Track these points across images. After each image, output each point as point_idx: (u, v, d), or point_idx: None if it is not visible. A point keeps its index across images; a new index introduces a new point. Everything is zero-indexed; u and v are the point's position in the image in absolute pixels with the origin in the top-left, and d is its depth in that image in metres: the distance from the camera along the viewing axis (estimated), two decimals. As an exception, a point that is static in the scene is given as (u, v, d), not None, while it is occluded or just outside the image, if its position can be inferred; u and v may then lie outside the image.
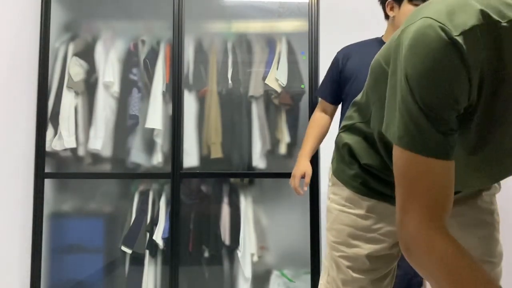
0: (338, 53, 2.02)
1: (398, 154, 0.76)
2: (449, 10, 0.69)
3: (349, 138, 1.07)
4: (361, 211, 1.06)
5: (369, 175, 1.03)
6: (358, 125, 1.05)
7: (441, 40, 0.67)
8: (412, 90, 0.70)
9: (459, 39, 0.66)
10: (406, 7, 1.74)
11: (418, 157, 0.72)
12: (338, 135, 1.13)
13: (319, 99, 2.12)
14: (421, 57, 0.69)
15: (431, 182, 0.73)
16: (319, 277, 2.59)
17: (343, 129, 1.11)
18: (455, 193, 0.85)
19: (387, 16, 1.87)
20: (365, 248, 1.05)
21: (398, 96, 0.73)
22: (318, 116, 2.10)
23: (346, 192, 1.08)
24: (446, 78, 0.68)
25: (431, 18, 0.69)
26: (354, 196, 1.07)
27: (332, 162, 1.16)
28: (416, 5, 1.73)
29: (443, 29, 0.67)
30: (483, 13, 0.68)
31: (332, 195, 1.14)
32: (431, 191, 0.72)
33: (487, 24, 0.68)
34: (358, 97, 1.08)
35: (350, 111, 1.11)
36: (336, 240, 1.09)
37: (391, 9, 1.81)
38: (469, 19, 0.68)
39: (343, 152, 1.08)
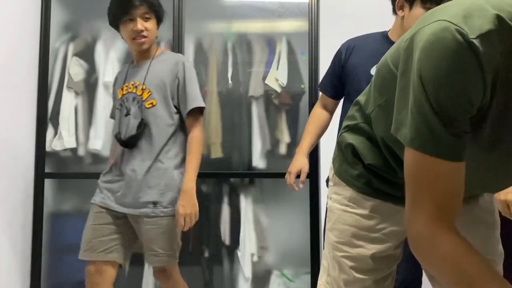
0: (342, 45, 1.96)
1: (409, 155, 0.76)
2: (465, 13, 0.70)
3: (352, 138, 1.06)
4: (364, 211, 1.05)
5: (373, 175, 1.03)
6: (361, 125, 1.05)
7: (458, 43, 0.67)
8: (426, 92, 0.71)
9: (476, 42, 0.67)
10: (418, 10, 1.65)
11: (429, 158, 0.73)
12: (340, 134, 1.12)
13: (320, 93, 2.07)
14: (437, 59, 0.69)
15: (441, 183, 0.74)
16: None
17: (346, 129, 1.10)
18: None
19: (395, 11, 1.78)
20: (369, 248, 1.05)
21: (411, 97, 0.74)
22: (318, 111, 2.05)
23: (349, 192, 1.08)
24: (461, 81, 0.69)
25: (447, 20, 0.69)
26: (358, 196, 1.06)
27: (333, 162, 1.16)
28: (430, 8, 1.64)
29: (460, 32, 0.68)
30: (499, 18, 0.69)
31: (334, 195, 1.14)
32: (440, 192, 0.74)
33: (502, 29, 0.69)
34: (361, 97, 1.07)
35: (352, 111, 1.10)
36: (339, 240, 1.09)
37: (401, 8, 1.72)
38: (485, 23, 0.68)
39: (346, 152, 1.08)
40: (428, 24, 0.72)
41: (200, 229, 2.85)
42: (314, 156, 2.64)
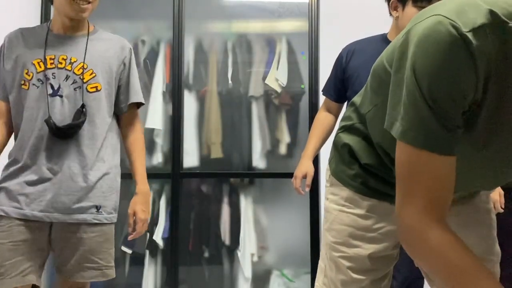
0: (342, 50, 2.00)
1: (401, 149, 0.77)
2: (458, 9, 0.71)
3: (348, 138, 1.07)
4: (361, 211, 1.06)
5: (369, 175, 1.04)
6: (357, 126, 1.05)
7: (451, 36, 0.68)
8: (419, 85, 0.71)
9: (469, 36, 0.68)
10: (410, 9, 1.70)
11: (421, 152, 0.73)
12: (336, 135, 1.13)
13: (324, 97, 2.10)
14: (430, 52, 0.70)
15: (432, 177, 0.74)
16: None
17: (342, 129, 1.11)
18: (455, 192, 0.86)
19: (391, 13, 1.84)
20: (366, 248, 1.05)
21: (404, 92, 0.74)
22: (322, 115, 2.07)
23: (345, 192, 1.08)
24: (455, 73, 0.69)
25: (441, 15, 0.71)
26: (354, 196, 1.07)
27: (330, 163, 1.16)
28: (420, 7, 1.69)
29: (453, 26, 0.69)
30: (492, 13, 0.70)
31: (330, 195, 1.14)
32: (431, 185, 0.74)
33: (495, 23, 0.69)
34: (357, 98, 1.08)
35: (348, 111, 1.11)
36: (336, 241, 1.09)
37: (395, 8, 1.78)
38: (479, 18, 0.69)
39: (342, 152, 1.08)
40: (422, 20, 0.73)
41: (200, 229, 2.85)
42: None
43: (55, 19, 1.66)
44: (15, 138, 1.63)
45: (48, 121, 1.54)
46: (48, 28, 1.65)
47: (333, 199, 1.12)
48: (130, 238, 1.70)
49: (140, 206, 1.66)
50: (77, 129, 1.56)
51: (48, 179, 1.55)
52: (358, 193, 1.06)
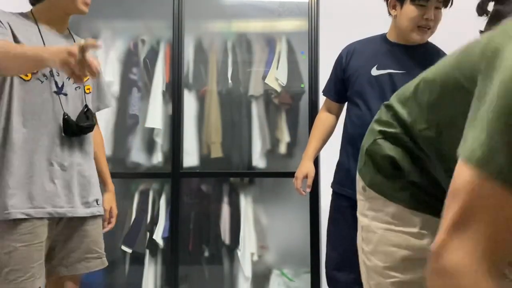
0: (342, 50, 2.00)
1: (468, 178, 0.63)
2: None
3: (391, 150, 0.94)
4: (413, 229, 0.92)
5: (419, 189, 0.93)
6: (401, 136, 0.93)
7: None
8: None
9: None
10: (408, 7, 1.72)
11: (499, 187, 0.60)
12: (374, 141, 0.99)
13: (325, 98, 2.10)
14: None
15: (503, 219, 0.61)
16: (318, 276, 2.61)
17: (382, 135, 0.97)
18: None
19: (389, 12, 1.85)
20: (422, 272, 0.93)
21: (490, 108, 0.62)
22: (323, 116, 2.08)
23: (391, 207, 0.95)
24: None
25: None
26: (403, 212, 0.93)
27: (362, 172, 1.02)
28: (419, 5, 1.71)
29: None
30: None
31: (369, 211, 1.00)
32: (498, 228, 0.62)
33: None
34: (397, 103, 0.96)
35: (385, 115, 0.99)
36: (386, 265, 0.95)
37: (393, 7, 1.79)
38: None
39: (383, 163, 0.96)
40: None
41: (200, 228, 2.85)
42: (314, 155, 2.64)
43: (43, 12, 1.57)
44: None
45: (69, 119, 1.53)
46: (36, 21, 1.55)
47: (375, 216, 0.98)
48: (105, 230, 1.80)
49: (113, 202, 1.84)
50: (92, 128, 1.62)
51: (60, 176, 1.53)
52: (407, 207, 0.93)
